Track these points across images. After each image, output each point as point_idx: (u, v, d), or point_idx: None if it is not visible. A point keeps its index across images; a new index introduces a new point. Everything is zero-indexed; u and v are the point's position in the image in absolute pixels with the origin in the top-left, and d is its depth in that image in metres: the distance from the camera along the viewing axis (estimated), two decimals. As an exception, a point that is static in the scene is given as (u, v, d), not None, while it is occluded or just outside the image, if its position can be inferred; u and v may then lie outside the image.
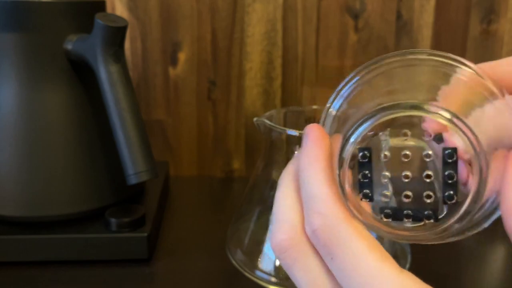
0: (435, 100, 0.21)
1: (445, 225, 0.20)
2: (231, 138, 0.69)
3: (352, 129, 0.21)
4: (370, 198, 0.21)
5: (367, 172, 0.21)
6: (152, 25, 0.65)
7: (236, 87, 0.67)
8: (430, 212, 0.21)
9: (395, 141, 0.21)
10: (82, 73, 0.48)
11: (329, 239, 0.21)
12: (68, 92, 0.48)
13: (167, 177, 0.63)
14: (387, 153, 0.21)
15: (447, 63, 0.22)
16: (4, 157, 0.46)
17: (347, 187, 0.22)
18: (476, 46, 0.67)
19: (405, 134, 0.20)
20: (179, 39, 0.65)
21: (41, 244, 0.46)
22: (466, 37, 0.67)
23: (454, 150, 0.20)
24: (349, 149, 0.21)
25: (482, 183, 0.19)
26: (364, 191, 0.21)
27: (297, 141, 0.44)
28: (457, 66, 0.22)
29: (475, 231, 0.22)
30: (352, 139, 0.21)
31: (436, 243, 0.23)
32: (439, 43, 0.67)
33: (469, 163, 0.20)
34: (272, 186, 0.46)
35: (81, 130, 0.48)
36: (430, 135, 0.20)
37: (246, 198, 0.49)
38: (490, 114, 0.21)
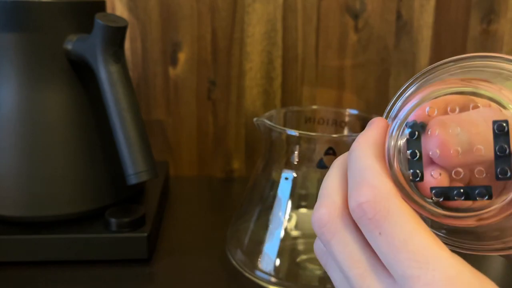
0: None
1: (497, 206, 0.19)
2: (231, 138, 0.69)
3: (390, 105, 0.21)
4: (420, 177, 0.21)
5: (416, 150, 0.21)
6: (152, 25, 0.65)
7: (236, 87, 0.67)
8: (483, 189, 0.19)
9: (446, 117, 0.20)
10: (82, 73, 0.48)
11: (379, 213, 0.21)
12: (68, 92, 0.48)
13: (167, 177, 0.63)
14: (438, 129, 0.20)
15: None
16: (4, 157, 0.46)
17: (396, 166, 0.21)
18: (476, 46, 0.67)
19: (453, 110, 0.20)
20: (179, 39, 0.65)
21: (41, 244, 0.46)
22: (466, 37, 0.67)
23: (505, 121, 0.19)
24: (397, 125, 0.21)
25: None
26: (414, 170, 0.21)
27: (297, 141, 0.44)
28: None
29: None
30: (400, 115, 0.21)
31: (491, 253, 0.21)
32: (439, 43, 0.67)
33: None
34: (272, 186, 0.46)
35: (81, 130, 0.48)
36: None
37: (246, 198, 0.49)
38: None
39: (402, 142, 0.21)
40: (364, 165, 0.22)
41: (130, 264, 0.47)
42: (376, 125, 0.24)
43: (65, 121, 0.47)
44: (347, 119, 0.51)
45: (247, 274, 0.45)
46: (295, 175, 0.45)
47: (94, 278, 0.45)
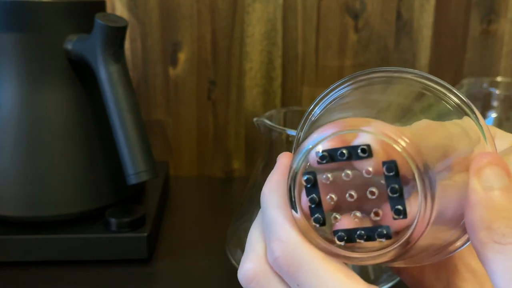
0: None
1: (399, 244, 0.20)
2: (231, 138, 0.69)
3: (295, 152, 0.21)
4: (322, 222, 0.21)
5: (314, 196, 0.21)
6: (152, 25, 0.65)
7: (236, 87, 0.67)
8: (382, 230, 0.20)
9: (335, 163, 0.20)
10: (82, 73, 0.48)
11: (292, 266, 0.21)
12: (68, 92, 0.48)
13: (167, 177, 0.63)
14: (329, 175, 0.20)
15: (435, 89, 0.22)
16: (4, 157, 0.46)
17: (300, 214, 0.21)
18: (476, 46, 0.67)
19: (342, 154, 0.20)
20: (179, 39, 0.65)
21: (41, 244, 0.46)
22: (466, 37, 0.67)
23: (393, 162, 0.19)
24: (292, 174, 0.21)
25: (427, 201, 0.19)
26: (315, 216, 0.21)
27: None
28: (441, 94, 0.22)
29: (444, 256, 0.21)
30: (294, 164, 0.21)
31: (406, 265, 0.22)
32: (439, 43, 0.67)
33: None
34: (272, 186, 0.46)
35: (81, 130, 0.48)
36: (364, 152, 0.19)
37: (246, 198, 0.49)
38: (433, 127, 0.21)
39: (301, 189, 0.21)
40: (270, 218, 0.22)
41: (130, 264, 0.47)
42: (281, 165, 0.23)
43: (65, 121, 0.47)
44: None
45: (247, 274, 0.45)
46: (295, 175, 0.45)
47: (94, 278, 0.45)
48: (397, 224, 0.20)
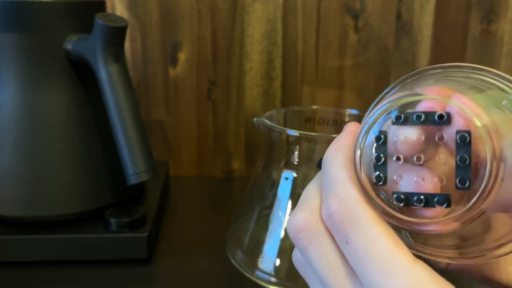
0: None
1: (456, 215, 0.20)
2: (231, 138, 0.69)
3: (369, 111, 0.21)
4: (383, 181, 0.21)
5: (381, 154, 0.21)
6: (152, 25, 0.65)
7: (236, 87, 0.67)
8: (441, 197, 0.20)
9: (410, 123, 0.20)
10: (82, 73, 0.48)
11: (345, 222, 0.21)
12: (68, 92, 0.48)
13: (167, 177, 0.63)
14: (401, 136, 0.20)
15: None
16: (4, 157, 0.46)
17: (363, 172, 0.21)
18: (476, 46, 0.67)
19: (419, 117, 0.20)
20: (179, 39, 0.65)
21: (41, 244, 0.46)
22: (466, 37, 0.67)
23: (468, 132, 0.19)
24: (364, 130, 0.21)
25: (493, 179, 0.19)
26: (377, 173, 0.21)
27: (297, 141, 0.44)
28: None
29: (496, 257, 0.21)
30: (368, 121, 0.21)
31: (452, 260, 0.22)
32: (439, 43, 0.67)
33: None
34: (272, 186, 0.46)
35: (81, 130, 0.48)
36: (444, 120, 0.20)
37: (246, 198, 0.49)
38: None
39: (369, 147, 0.21)
40: (332, 175, 0.23)
41: (130, 264, 0.47)
42: (347, 130, 0.24)
43: (65, 121, 0.47)
44: (347, 119, 0.51)
45: (247, 274, 0.45)
46: (295, 175, 0.45)
47: (94, 278, 0.45)
48: (458, 194, 0.20)
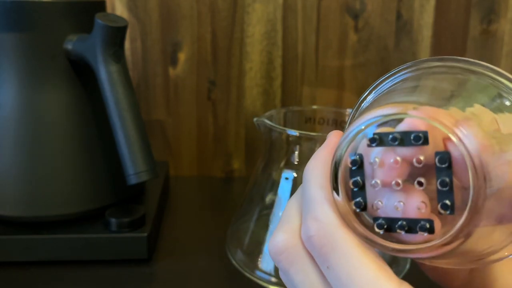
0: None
1: (441, 240, 0.18)
2: (231, 138, 0.69)
3: (345, 133, 0.20)
4: (363, 207, 0.20)
5: (358, 179, 0.20)
6: (152, 25, 0.65)
7: (236, 87, 0.67)
8: (425, 223, 0.18)
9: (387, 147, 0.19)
10: (82, 73, 0.48)
11: (325, 247, 0.20)
12: (68, 92, 0.48)
13: (167, 177, 0.63)
14: (377, 159, 0.19)
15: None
16: (4, 157, 0.46)
17: (342, 197, 0.20)
18: (476, 46, 0.67)
19: (394, 139, 0.18)
20: (179, 39, 0.65)
21: (41, 244, 0.46)
22: (466, 37, 0.67)
23: (447, 154, 0.18)
24: (339, 154, 0.20)
25: (477, 199, 0.17)
26: (357, 199, 0.20)
27: (297, 141, 0.44)
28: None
29: (492, 261, 0.20)
30: (343, 144, 0.20)
31: (448, 266, 0.21)
32: (439, 43, 0.67)
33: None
34: (272, 186, 0.46)
35: (81, 130, 0.48)
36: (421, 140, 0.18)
37: (246, 198, 0.49)
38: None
39: (346, 171, 0.20)
40: (310, 194, 0.22)
41: (130, 264, 0.47)
42: (328, 141, 0.23)
43: (65, 121, 0.47)
44: (347, 119, 0.51)
45: (247, 274, 0.45)
46: (295, 175, 0.45)
47: (94, 278, 0.45)
48: (442, 219, 0.19)
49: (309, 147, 0.44)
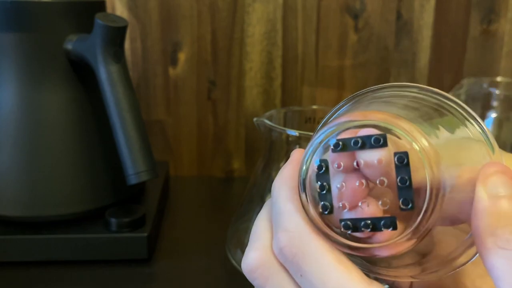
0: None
1: (404, 236, 0.20)
2: (231, 138, 0.69)
3: (310, 141, 0.22)
4: (329, 210, 0.21)
5: (324, 183, 0.21)
6: (152, 25, 0.65)
7: (236, 87, 0.67)
8: (387, 220, 0.20)
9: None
10: (82, 73, 0.48)
11: (296, 255, 0.21)
12: (68, 92, 0.48)
13: (167, 177, 0.63)
14: (341, 163, 0.20)
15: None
16: (4, 157, 0.46)
17: (310, 203, 0.21)
18: (476, 46, 0.67)
19: (356, 142, 0.20)
20: (179, 39, 0.65)
21: (41, 244, 0.46)
22: (466, 37, 0.67)
23: (405, 153, 0.19)
24: (305, 160, 0.21)
25: (434, 197, 0.19)
26: (323, 203, 0.21)
27: (297, 141, 0.44)
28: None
29: (453, 270, 0.21)
30: (308, 151, 0.21)
31: (406, 278, 0.22)
32: (439, 43, 0.67)
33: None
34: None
35: (81, 130, 0.48)
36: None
37: (246, 198, 0.49)
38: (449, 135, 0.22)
39: (312, 176, 0.21)
40: (279, 209, 0.22)
41: (130, 264, 0.47)
42: (291, 159, 0.24)
43: (65, 121, 0.47)
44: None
45: (247, 274, 0.45)
46: (295, 175, 0.45)
47: (94, 278, 0.45)
48: (403, 215, 0.20)
49: (309, 147, 0.44)
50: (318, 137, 0.21)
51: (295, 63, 0.67)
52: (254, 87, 0.67)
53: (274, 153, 0.46)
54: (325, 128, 0.21)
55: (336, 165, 0.21)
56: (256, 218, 0.25)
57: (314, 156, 0.21)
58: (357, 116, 0.21)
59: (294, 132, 0.43)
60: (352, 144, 0.20)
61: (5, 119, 0.46)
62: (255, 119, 0.46)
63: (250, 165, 0.70)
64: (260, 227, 0.24)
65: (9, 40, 0.45)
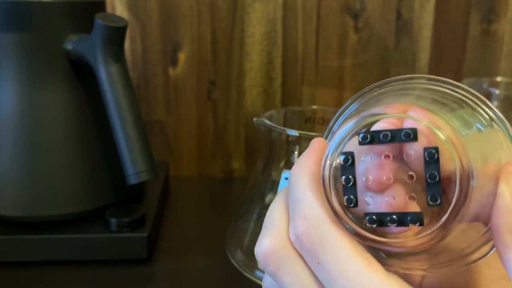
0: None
1: (429, 233, 0.20)
2: (231, 138, 0.69)
3: (329, 125, 0.21)
4: (354, 203, 0.21)
5: (350, 176, 0.21)
6: (152, 25, 0.65)
7: (236, 87, 0.67)
8: (415, 216, 0.20)
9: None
10: (82, 73, 0.48)
11: (314, 243, 0.21)
12: (68, 92, 0.48)
13: (167, 177, 0.63)
14: (368, 156, 0.20)
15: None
16: (4, 157, 0.46)
17: (333, 195, 0.21)
18: (476, 46, 0.67)
19: (386, 136, 0.20)
20: (179, 39, 0.65)
21: (41, 244, 0.46)
22: (466, 37, 0.67)
23: (435, 148, 0.19)
24: (330, 152, 0.21)
25: (463, 194, 0.19)
26: (348, 196, 0.21)
27: (297, 141, 0.44)
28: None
29: (465, 265, 0.21)
30: (334, 142, 0.21)
31: (423, 272, 0.22)
32: (439, 43, 0.67)
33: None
34: (272, 186, 0.46)
35: (81, 130, 0.48)
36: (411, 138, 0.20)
37: (246, 198, 0.49)
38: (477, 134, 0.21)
39: (337, 168, 0.21)
40: (298, 196, 0.22)
41: (130, 264, 0.47)
42: (311, 148, 0.23)
43: (65, 121, 0.47)
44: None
45: (247, 274, 0.45)
46: (295, 175, 0.45)
47: (94, 278, 0.45)
48: (431, 211, 0.20)
49: (309, 147, 0.44)
50: (347, 128, 0.21)
51: (295, 63, 0.67)
52: (254, 87, 0.67)
53: (274, 153, 0.46)
54: (350, 122, 0.21)
55: (362, 158, 0.20)
56: (271, 205, 0.24)
57: (341, 148, 0.21)
58: (381, 109, 0.21)
59: (294, 132, 0.43)
60: (381, 137, 0.20)
61: (5, 119, 0.46)
62: (255, 119, 0.46)
63: (250, 165, 0.70)
64: (276, 213, 0.24)
65: (9, 40, 0.45)
